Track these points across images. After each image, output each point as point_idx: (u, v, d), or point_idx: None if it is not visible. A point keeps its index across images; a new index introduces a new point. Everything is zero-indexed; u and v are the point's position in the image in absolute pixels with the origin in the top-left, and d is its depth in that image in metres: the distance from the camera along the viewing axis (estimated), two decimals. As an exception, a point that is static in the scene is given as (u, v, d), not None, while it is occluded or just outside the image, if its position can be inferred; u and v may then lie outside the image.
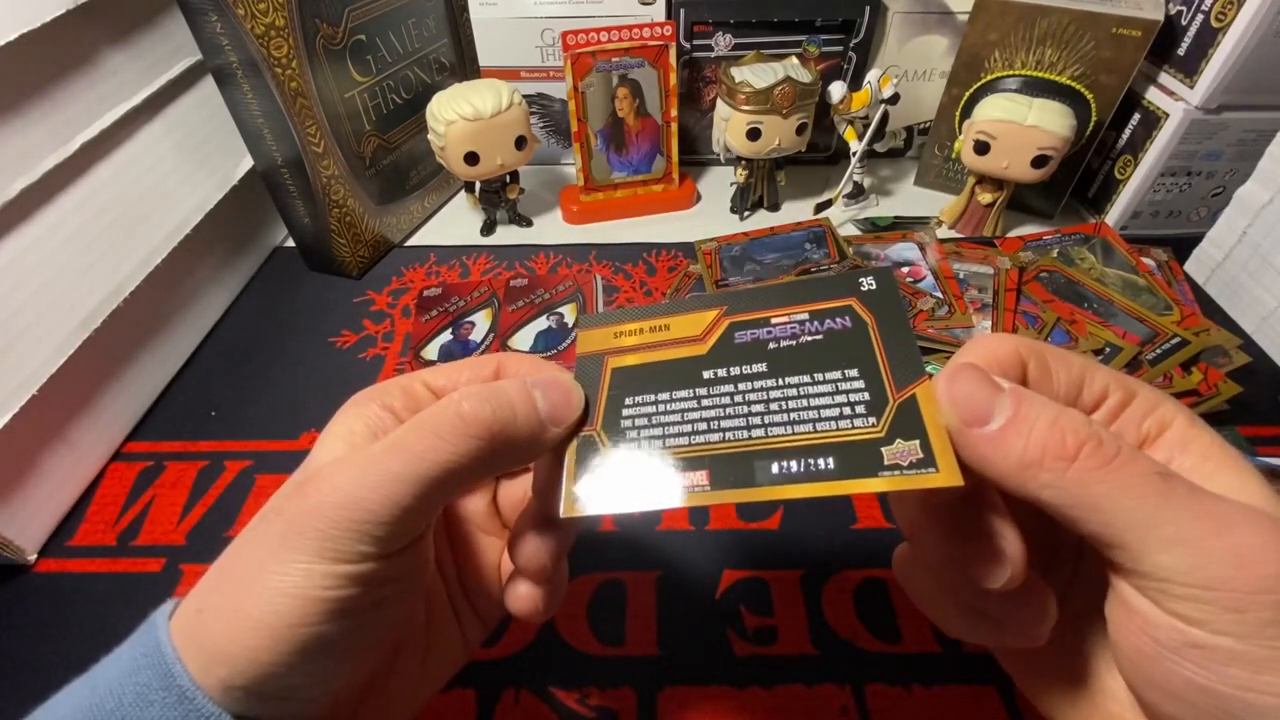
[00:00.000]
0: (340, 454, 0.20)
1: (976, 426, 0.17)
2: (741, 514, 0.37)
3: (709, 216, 0.61)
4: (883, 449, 0.18)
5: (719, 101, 0.55)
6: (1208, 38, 0.47)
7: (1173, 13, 0.49)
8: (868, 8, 0.55)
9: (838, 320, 0.21)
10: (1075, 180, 0.57)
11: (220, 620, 0.18)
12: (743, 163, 0.57)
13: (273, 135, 0.46)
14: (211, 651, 0.18)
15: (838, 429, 0.19)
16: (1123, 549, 0.16)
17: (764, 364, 0.21)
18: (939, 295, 0.47)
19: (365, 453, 0.19)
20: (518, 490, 0.26)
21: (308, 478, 0.19)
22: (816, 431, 0.19)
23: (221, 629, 0.18)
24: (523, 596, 0.23)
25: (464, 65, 0.61)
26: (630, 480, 0.20)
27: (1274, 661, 0.15)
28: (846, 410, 0.19)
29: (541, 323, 0.49)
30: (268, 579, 0.18)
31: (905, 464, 0.18)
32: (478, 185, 0.56)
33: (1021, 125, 0.49)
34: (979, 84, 0.55)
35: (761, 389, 0.21)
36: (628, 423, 0.21)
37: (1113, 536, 0.16)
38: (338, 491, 0.18)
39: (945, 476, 0.17)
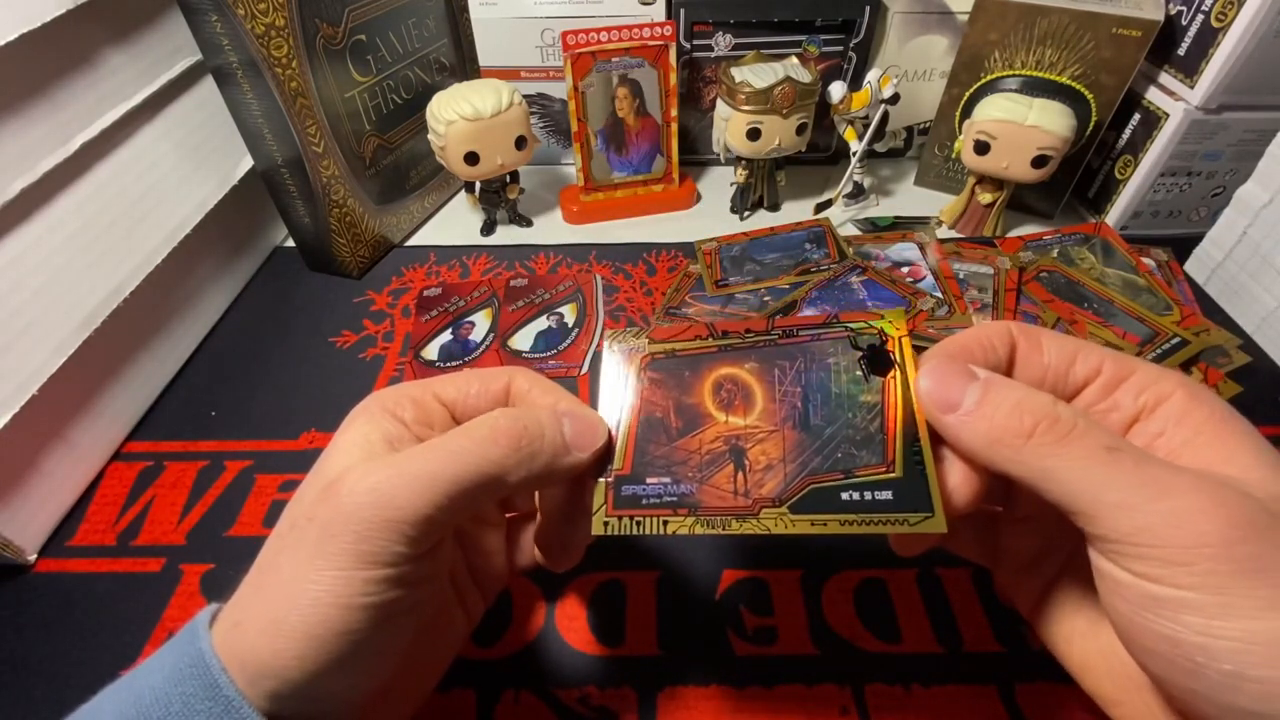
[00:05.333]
0: (358, 460, 0.21)
1: (949, 413, 0.20)
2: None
3: (709, 216, 0.61)
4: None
5: (719, 101, 0.55)
6: (1208, 38, 0.47)
7: (1173, 13, 0.49)
8: (868, 8, 0.55)
9: None
10: (1075, 180, 0.57)
11: (260, 633, 0.19)
12: (743, 163, 0.57)
13: (273, 135, 0.46)
14: (256, 665, 0.19)
15: None
16: (1080, 515, 0.18)
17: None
18: (939, 295, 0.47)
19: (397, 455, 0.20)
20: None
21: (334, 481, 0.20)
22: None
23: (263, 642, 0.19)
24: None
25: (464, 65, 0.61)
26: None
27: (1223, 608, 0.16)
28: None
29: (541, 323, 0.49)
30: (306, 588, 0.19)
31: None
32: (478, 185, 0.56)
33: (1021, 125, 0.49)
34: (979, 84, 0.55)
35: None
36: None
37: (1069, 504, 0.18)
38: (373, 492, 0.19)
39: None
